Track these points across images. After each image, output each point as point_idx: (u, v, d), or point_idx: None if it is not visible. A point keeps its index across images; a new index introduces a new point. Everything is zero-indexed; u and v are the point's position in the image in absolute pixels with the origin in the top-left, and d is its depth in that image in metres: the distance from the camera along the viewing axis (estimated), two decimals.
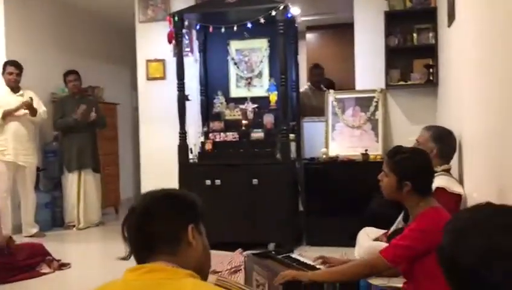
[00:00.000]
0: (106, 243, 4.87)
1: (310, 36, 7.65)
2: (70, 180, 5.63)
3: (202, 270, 1.24)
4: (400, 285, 2.24)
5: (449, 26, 3.53)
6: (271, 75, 4.77)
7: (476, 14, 2.65)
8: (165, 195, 1.26)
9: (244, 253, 4.09)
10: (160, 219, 1.20)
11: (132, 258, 1.23)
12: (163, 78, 5.28)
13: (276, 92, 4.61)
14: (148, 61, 5.33)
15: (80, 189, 5.65)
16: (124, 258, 1.23)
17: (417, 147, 2.78)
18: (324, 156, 4.58)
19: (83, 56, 6.49)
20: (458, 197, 2.85)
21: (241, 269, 3.62)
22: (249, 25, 4.44)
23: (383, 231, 3.26)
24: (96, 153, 5.83)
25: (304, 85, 5.72)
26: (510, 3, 1.93)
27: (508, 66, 1.97)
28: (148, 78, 5.34)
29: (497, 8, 2.16)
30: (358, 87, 4.84)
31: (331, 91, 4.91)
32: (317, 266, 2.37)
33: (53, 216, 5.71)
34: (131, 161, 7.39)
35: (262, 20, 4.30)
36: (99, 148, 6.09)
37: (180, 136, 4.55)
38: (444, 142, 3.02)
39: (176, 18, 4.46)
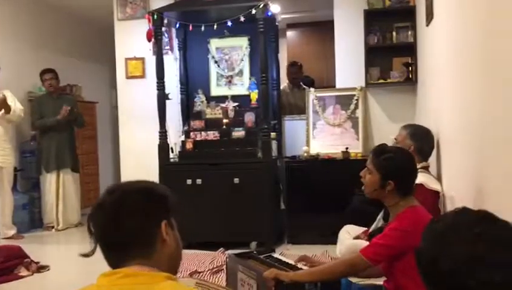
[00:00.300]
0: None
1: (290, 34, 7.67)
2: (49, 180, 5.54)
3: (174, 266, 1.20)
4: (380, 282, 2.26)
5: (427, 25, 3.57)
6: (252, 73, 4.76)
7: (453, 14, 2.67)
8: (137, 189, 1.18)
9: (226, 253, 4.09)
10: (135, 214, 1.13)
11: (96, 256, 1.16)
12: (142, 76, 5.23)
13: (257, 91, 4.60)
14: (127, 59, 5.27)
15: (59, 189, 5.56)
16: (86, 255, 1.16)
17: (402, 147, 2.80)
18: (305, 154, 4.59)
19: (60, 54, 6.39)
20: (436, 194, 2.90)
21: (223, 269, 3.61)
22: (229, 24, 4.42)
23: (363, 229, 3.29)
24: (74, 152, 5.75)
25: (284, 83, 5.72)
26: (487, 2, 1.95)
27: (486, 65, 1.99)
28: (128, 77, 5.28)
29: (474, 8, 2.18)
30: (338, 85, 4.86)
31: (312, 89, 4.92)
32: (299, 267, 2.37)
33: (31, 217, 5.62)
34: (111, 160, 7.31)
35: (242, 19, 4.28)
36: (78, 148, 6.02)
37: (160, 136, 4.51)
38: (422, 139, 3.07)
39: (155, 16, 4.41)
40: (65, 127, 5.56)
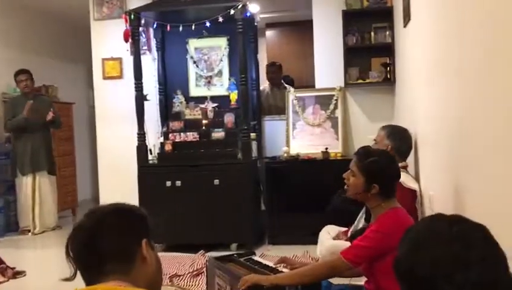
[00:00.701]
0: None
1: (269, 33, 7.66)
2: (25, 183, 5.43)
3: (155, 286, 1.21)
4: (361, 283, 2.27)
5: (405, 26, 3.60)
6: (231, 73, 4.74)
7: (430, 16, 2.70)
8: (115, 210, 1.21)
9: (206, 255, 4.06)
10: (112, 235, 1.15)
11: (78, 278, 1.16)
12: (120, 77, 5.16)
13: (236, 91, 4.58)
14: (104, 59, 5.19)
15: (35, 192, 5.46)
16: (67, 279, 1.16)
17: (386, 150, 2.82)
18: (285, 155, 4.59)
19: (35, 54, 6.26)
20: (413, 193, 2.93)
21: (203, 272, 3.58)
22: (208, 24, 4.39)
23: (344, 229, 3.30)
24: (51, 154, 5.64)
25: (264, 83, 5.71)
26: (463, 4, 1.97)
27: (461, 65, 2.01)
28: (105, 77, 5.20)
29: (450, 10, 2.20)
30: (318, 85, 4.87)
31: (292, 90, 4.92)
32: (280, 269, 2.37)
33: (7, 221, 5.50)
34: (89, 161, 7.21)
35: (221, 19, 4.25)
36: (55, 149, 5.91)
37: (138, 137, 4.46)
38: (399, 139, 3.10)
39: (132, 16, 4.35)
40: (40, 129, 5.45)
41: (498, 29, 1.54)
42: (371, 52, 4.62)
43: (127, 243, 1.16)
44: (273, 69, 5.57)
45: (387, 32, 4.47)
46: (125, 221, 1.19)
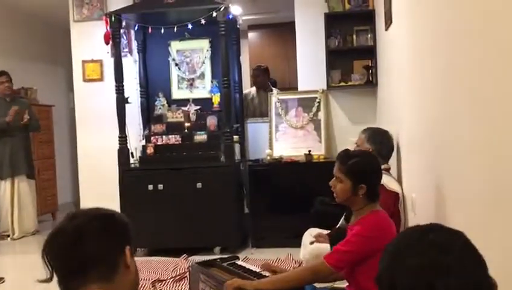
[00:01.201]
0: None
1: (252, 35, 7.66)
2: (3, 187, 5.33)
3: None
4: (344, 285, 2.28)
5: (386, 29, 3.62)
6: (213, 76, 4.71)
7: (411, 20, 2.72)
8: (100, 215, 1.18)
9: (189, 259, 4.03)
10: (97, 240, 1.12)
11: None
12: (100, 79, 5.09)
13: (219, 94, 4.55)
14: (84, 62, 5.11)
15: (14, 197, 5.36)
16: (44, 281, 1.14)
17: (364, 150, 2.84)
18: (268, 157, 4.58)
19: (14, 56, 6.15)
20: (396, 195, 2.95)
21: (186, 276, 3.55)
22: (190, 26, 4.35)
23: (326, 231, 3.31)
24: (30, 158, 5.55)
25: (247, 86, 5.70)
26: (443, 9, 1.99)
27: (444, 70, 2.02)
28: (85, 80, 5.13)
29: (431, 14, 2.22)
30: (300, 88, 4.87)
31: (274, 92, 4.92)
32: (263, 274, 2.36)
33: None
34: (69, 164, 7.10)
35: (203, 21, 4.23)
36: (34, 153, 5.81)
37: (120, 141, 4.40)
38: (380, 142, 3.12)
39: (113, 18, 4.30)
40: (19, 132, 5.36)
41: (478, 33, 1.55)
42: (353, 55, 4.64)
43: (111, 249, 1.14)
44: (258, 72, 5.55)
45: (369, 35, 4.49)
46: (110, 227, 1.16)
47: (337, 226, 3.04)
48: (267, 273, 2.33)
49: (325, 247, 2.70)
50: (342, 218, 2.99)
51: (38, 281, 1.15)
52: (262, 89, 5.45)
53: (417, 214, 2.70)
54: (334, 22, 4.59)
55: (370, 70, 4.53)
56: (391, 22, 3.40)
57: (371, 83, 4.52)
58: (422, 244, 0.93)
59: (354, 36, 4.56)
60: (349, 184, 2.15)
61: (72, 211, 1.21)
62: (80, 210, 1.21)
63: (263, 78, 5.51)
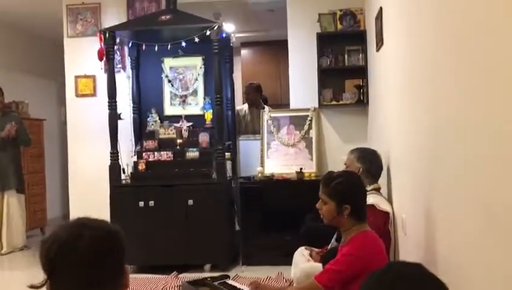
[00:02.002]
0: (32, 269, 4.54)
1: (244, 52, 7.73)
2: None
3: None
4: None
5: (378, 50, 3.68)
6: (206, 93, 4.73)
7: (401, 42, 2.77)
8: (106, 233, 1.17)
9: (179, 277, 4.01)
10: (109, 265, 1.13)
11: None
12: (93, 94, 5.09)
13: (211, 110, 4.57)
14: (77, 77, 5.11)
15: (3, 211, 5.30)
16: (36, 287, 1.13)
17: (348, 170, 2.87)
18: (260, 175, 4.60)
19: (5, 69, 6.14)
20: (386, 215, 2.98)
21: None
22: (183, 43, 4.39)
23: (317, 250, 3.32)
24: (20, 172, 5.50)
25: (240, 103, 5.73)
26: (433, 31, 2.03)
27: (434, 91, 2.06)
28: (77, 95, 5.12)
29: (421, 37, 2.27)
30: (292, 106, 4.91)
31: (266, 110, 4.95)
32: None
33: None
34: (59, 179, 7.05)
35: (196, 39, 4.27)
36: (24, 167, 5.77)
37: (111, 157, 4.39)
38: (369, 161, 3.17)
39: (107, 35, 4.32)
40: (10, 146, 5.33)
41: (467, 56, 1.59)
42: (344, 74, 4.70)
43: (119, 268, 1.14)
44: (250, 89, 5.60)
45: (361, 55, 4.56)
46: (116, 248, 1.16)
47: (329, 246, 3.06)
48: None
49: (317, 266, 2.72)
50: (333, 238, 3.00)
51: (29, 287, 1.14)
52: (254, 106, 5.49)
53: (407, 235, 2.72)
54: (326, 42, 4.66)
55: (361, 90, 4.59)
56: (382, 43, 3.46)
57: (362, 102, 4.57)
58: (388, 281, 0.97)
59: (346, 56, 4.63)
60: (334, 205, 2.19)
61: (81, 219, 1.19)
62: (81, 224, 1.18)
63: (254, 96, 5.55)
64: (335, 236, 2.95)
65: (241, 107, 5.58)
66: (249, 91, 5.59)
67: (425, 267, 1.07)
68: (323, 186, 2.25)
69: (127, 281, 1.15)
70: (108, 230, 1.18)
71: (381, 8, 3.43)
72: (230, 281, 2.60)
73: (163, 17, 4.36)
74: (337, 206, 2.18)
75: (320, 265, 2.75)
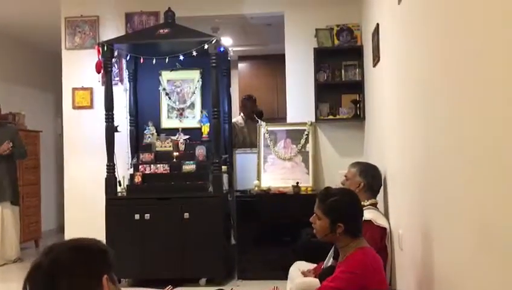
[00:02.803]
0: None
1: (241, 66, 7.77)
2: None
3: None
4: None
5: (374, 66, 3.71)
6: (203, 106, 4.74)
7: (399, 58, 2.79)
8: (74, 247, 1.18)
9: None
10: (70, 274, 1.12)
11: None
12: (90, 107, 5.08)
13: (208, 124, 4.58)
14: (74, 89, 5.11)
15: None
16: None
17: (346, 188, 2.87)
18: (256, 188, 4.59)
19: (2, 81, 6.14)
20: (383, 230, 2.97)
21: None
22: (181, 57, 4.41)
23: (314, 265, 3.30)
24: (15, 184, 5.48)
25: (236, 115, 5.75)
26: (429, 48, 2.05)
27: (430, 108, 2.08)
28: (75, 107, 5.12)
29: (417, 54, 2.29)
30: (289, 120, 4.93)
31: (263, 123, 4.96)
32: None
33: None
34: (54, 191, 7.01)
35: (194, 53, 4.29)
36: (20, 178, 5.74)
37: (107, 169, 4.38)
38: (372, 176, 3.16)
39: (105, 48, 4.34)
40: (5, 158, 5.31)
41: (463, 72, 1.60)
42: (341, 89, 4.72)
43: (86, 281, 1.13)
44: (250, 102, 5.64)
45: (357, 70, 4.59)
46: (83, 259, 1.16)
47: (324, 262, 3.04)
48: None
49: (313, 281, 2.70)
50: (331, 255, 2.98)
51: None
52: (250, 119, 5.52)
53: (404, 250, 2.72)
54: (323, 57, 4.69)
55: (358, 105, 4.61)
56: (379, 59, 3.49)
57: (358, 117, 4.59)
58: None
59: (343, 71, 4.66)
60: (327, 222, 2.18)
61: (49, 244, 1.20)
62: (56, 243, 1.20)
63: (255, 108, 5.63)
64: (331, 253, 2.94)
65: (236, 119, 5.59)
66: (247, 103, 5.63)
67: None
68: (319, 201, 2.25)
69: None
70: (74, 245, 1.19)
71: (378, 24, 3.47)
72: None
73: (161, 31, 4.39)
74: (331, 224, 2.18)
75: (316, 280, 2.74)
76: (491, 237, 1.36)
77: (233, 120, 5.50)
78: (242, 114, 5.69)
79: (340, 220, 2.15)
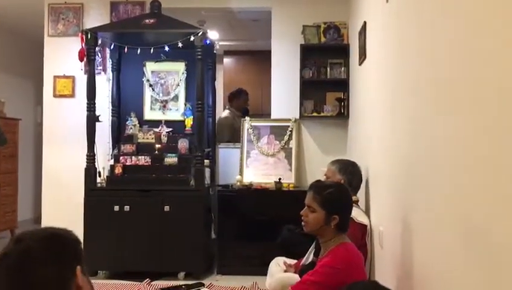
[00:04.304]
0: None
1: (227, 60, 7.72)
2: None
3: None
4: None
5: (360, 64, 3.71)
6: (187, 99, 4.70)
7: (385, 57, 2.80)
8: (46, 236, 1.13)
9: (152, 284, 3.94)
10: (43, 264, 1.07)
11: None
12: (71, 95, 5.00)
13: (191, 117, 4.54)
14: (56, 77, 5.02)
15: None
16: None
17: (337, 182, 2.87)
18: (238, 183, 4.57)
19: None
20: (364, 228, 2.98)
21: None
22: (166, 48, 4.35)
23: (294, 261, 3.30)
24: None
25: (220, 109, 5.71)
26: (416, 48, 2.06)
27: (414, 108, 2.08)
28: (55, 95, 5.02)
29: (404, 54, 2.29)
30: (273, 116, 4.92)
31: (247, 118, 4.94)
32: None
33: None
34: (32, 180, 6.88)
35: (180, 45, 4.24)
36: None
37: (87, 159, 4.31)
38: (351, 173, 3.18)
39: (89, 35, 4.26)
40: None
41: (449, 71, 1.61)
42: (326, 87, 4.73)
43: (60, 272, 1.08)
44: (245, 94, 5.62)
45: (343, 68, 4.60)
46: (57, 248, 1.11)
47: (304, 258, 3.04)
48: None
49: (293, 276, 2.69)
50: (311, 251, 2.98)
51: None
52: (243, 114, 5.47)
53: (384, 248, 2.73)
54: (309, 54, 4.69)
55: (342, 103, 4.62)
56: (365, 57, 3.49)
57: (342, 115, 4.60)
58: None
59: (328, 68, 4.66)
60: (323, 214, 2.18)
61: (18, 233, 1.15)
62: (25, 232, 1.14)
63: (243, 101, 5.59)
64: (311, 249, 2.93)
65: (226, 114, 5.53)
66: (241, 96, 5.60)
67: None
68: (314, 193, 2.22)
69: (77, 283, 1.09)
70: (44, 234, 1.13)
71: (365, 22, 3.47)
72: (204, 289, 2.55)
73: (147, 21, 4.33)
74: (327, 216, 2.17)
75: (295, 275, 2.73)
76: (472, 235, 1.37)
77: (223, 115, 5.45)
78: (230, 107, 5.61)
79: (336, 212, 2.15)
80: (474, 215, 1.35)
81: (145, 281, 4.04)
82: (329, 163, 3.31)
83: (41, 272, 1.06)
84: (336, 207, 2.18)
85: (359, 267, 2.19)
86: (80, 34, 4.36)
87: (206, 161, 4.50)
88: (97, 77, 4.54)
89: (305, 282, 2.15)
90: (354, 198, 3.14)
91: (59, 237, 1.14)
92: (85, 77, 4.49)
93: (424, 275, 1.90)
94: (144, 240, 4.19)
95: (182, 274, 4.18)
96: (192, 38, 4.17)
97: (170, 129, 4.62)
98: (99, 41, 4.43)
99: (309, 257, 2.93)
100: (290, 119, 4.76)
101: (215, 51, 4.87)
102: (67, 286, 1.08)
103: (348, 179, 3.14)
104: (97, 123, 4.41)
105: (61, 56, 4.99)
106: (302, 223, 2.27)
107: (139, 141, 4.58)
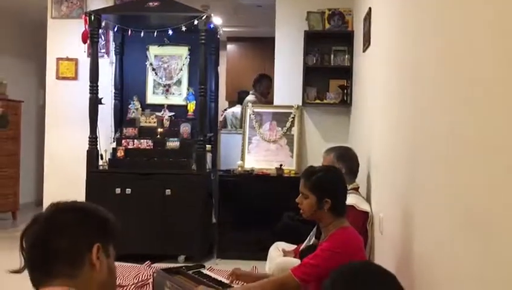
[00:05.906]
0: (1, 254, 4.47)
1: (230, 47, 7.69)
2: None
3: None
4: None
5: (364, 51, 3.70)
6: (190, 83, 4.70)
7: (389, 44, 2.78)
8: (74, 208, 1.16)
9: (152, 266, 3.97)
10: (65, 233, 1.10)
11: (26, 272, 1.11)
12: (74, 78, 5.00)
13: (194, 101, 4.54)
14: (58, 59, 5.01)
15: None
16: (17, 271, 1.11)
17: (329, 165, 2.87)
18: (239, 169, 4.58)
19: None
20: (365, 215, 2.99)
21: (148, 284, 3.49)
22: (170, 32, 4.34)
23: (294, 246, 3.32)
24: None
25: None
26: (421, 36, 2.05)
27: (417, 96, 2.08)
28: (58, 77, 5.03)
29: (410, 40, 2.28)
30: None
31: (250, 104, 4.93)
32: (227, 282, 2.35)
33: None
34: (34, 162, 6.90)
35: (184, 28, 4.22)
36: None
37: (90, 142, 4.32)
38: (349, 159, 3.17)
39: (92, 17, 4.24)
40: None
41: (454, 61, 1.60)
42: (329, 74, 4.71)
43: (77, 245, 1.10)
44: (266, 81, 5.46)
45: (346, 56, 4.58)
46: (81, 221, 1.13)
47: (304, 243, 3.05)
48: (233, 284, 2.33)
49: (293, 261, 2.71)
50: (312, 235, 3.00)
51: (10, 272, 1.13)
52: (265, 99, 5.41)
53: (384, 234, 2.74)
54: (313, 40, 4.66)
55: (345, 90, 4.61)
56: (369, 44, 3.47)
57: (345, 103, 4.59)
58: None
59: (332, 56, 4.64)
60: (314, 199, 2.19)
61: (56, 201, 1.18)
62: (62, 201, 1.17)
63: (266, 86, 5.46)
64: (312, 233, 2.95)
65: (250, 98, 5.32)
66: (263, 81, 5.44)
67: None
68: (304, 179, 2.24)
69: (92, 260, 1.10)
70: (76, 206, 1.16)
71: (370, 8, 3.45)
72: (205, 271, 2.57)
73: (150, 4, 4.31)
74: (318, 200, 2.18)
75: (295, 259, 2.75)
76: (472, 222, 1.37)
77: (249, 98, 5.32)
78: (255, 92, 5.46)
79: (327, 196, 2.16)
80: (475, 203, 1.35)
81: (145, 263, 4.07)
82: (324, 152, 3.26)
83: (55, 241, 1.09)
84: (326, 191, 2.18)
85: (359, 250, 2.21)
86: (83, 16, 4.35)
87: (208, 146, 4.51)
88: (100, 60, 4.54)
89: (304, 265, 2.17)
90: (354, 185, 3.15)
91: (85, 211, 1.16)
92: (88, 59, 4.49)
93: (424, 261, 1.91)
94: (144, 223, 4.21)
95: (181, 257, 4.21)
96: (196, 22, 4.15)
97: (172, 113, 4.62)
98: (103, 24, 4.42)
99: (310, 241, 2.95)
100: (292, 106, 4.75)
101: (218, 36, 4.85)
102: (78, 260, 1.09)
103: (348, 166, 3.12)
104: (100, 106, 4.41)
105: (65, 38, 4.98)
106: (300, 211, 2.29)
107: (141, 124, 4.59)
